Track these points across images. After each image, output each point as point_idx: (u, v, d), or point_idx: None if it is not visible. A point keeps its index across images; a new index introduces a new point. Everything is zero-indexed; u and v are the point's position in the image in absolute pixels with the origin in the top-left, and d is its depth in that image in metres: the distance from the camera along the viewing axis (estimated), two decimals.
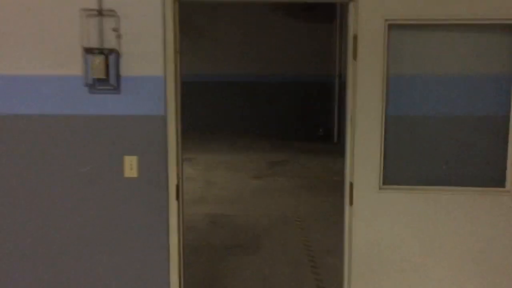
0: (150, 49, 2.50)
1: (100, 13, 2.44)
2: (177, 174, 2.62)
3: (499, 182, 2.52)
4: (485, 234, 2.54)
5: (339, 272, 2.85)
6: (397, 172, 2.56)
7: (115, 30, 2.45)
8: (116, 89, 2.51)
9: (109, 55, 2.46)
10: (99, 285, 2.66)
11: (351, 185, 2.57)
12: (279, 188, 6.98)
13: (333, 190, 6.40)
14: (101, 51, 2.46)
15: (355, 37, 2.49)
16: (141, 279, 2.66)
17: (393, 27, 2.44)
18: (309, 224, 5.38)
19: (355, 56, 2.50)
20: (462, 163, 2.56)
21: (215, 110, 11.05)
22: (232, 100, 11.02)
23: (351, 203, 2.60)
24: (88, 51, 2.45)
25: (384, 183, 2.54)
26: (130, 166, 2.57)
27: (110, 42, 2.47)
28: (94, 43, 2.47)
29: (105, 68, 2.46)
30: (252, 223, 5.42)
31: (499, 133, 2.48)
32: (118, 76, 2.50)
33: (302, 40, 10.92)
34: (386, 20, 2.43)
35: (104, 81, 2.48)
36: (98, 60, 2.44)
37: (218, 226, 5.23)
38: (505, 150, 2.48)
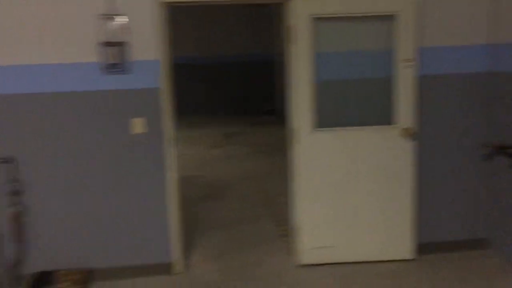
0: (149, 41, 3.52)
1: (112, 16, 3.44)
2: (171, 129, 3.69)
3: (389, 121, 3.75)
4: (382, 157, 3.77)
5: (288, 192, 4.02)
6: (322, 119, 3.73)
7: (124, 28, 3.46)
8: (125, 70, 3.53)
9: (119, 46, 3.47)
10: (122, 209, 3.70)
11: (293, 129, 3.74)
12: (235, 155, 8.11)
13: (279, 153, 7.57)
14: (114, 43, 3.46)
15: (289, 27, 3.63)
16: (150, 203, 3.72)
17: (315, 20, 3.59)
18: (263, 179, 6.55)
19: (290, 41, 3.64)
20: (363, 110, 3.78)
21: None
22: (187, 81, 11.95)
23: (293, 142, 3.77)
24: (105, 43, 3.45)
25: (315, 127, 3.71)
26: (137, 125, 3.61)
27: (120, 36, 3.47)
28: (108, 38, 3.46)
29: (117, 55, 3.47)
30: (216, 181, 6.53)
31: (386, 89, 3.71)
32: (126, 61, 3.51)
33: (247, 24, 12.02)
34: (311, 15, 3.57)
35: (116, 65, 3.49)
36: (112, 50, 3.45)
37: (190, 184, 6.30)
38: (391, 101, 3.72)
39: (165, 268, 3.80)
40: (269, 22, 11.87)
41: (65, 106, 3.54)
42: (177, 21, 11.56)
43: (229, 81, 12.40)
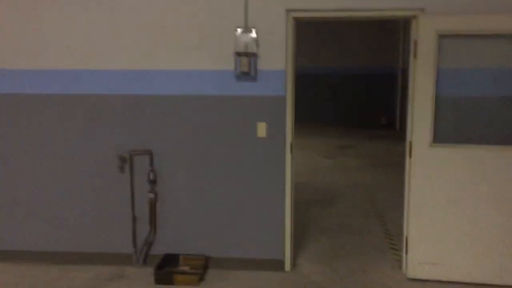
0: (277, 52, 3.82)
1: (246, 29, 3.79)
2: (291, 135, 3.94)
3: None
4: (506, 178, 3.65)
5: (400, 210, 4.05)
6: (443, 134, 3.72)
7: (255, 40, 3.79)
8: (254, 78, 3.86)
9: (251, 57, 3.81)
10: (241, 205, 4.04)
11: (411, 143, 3.78)
12: (347, 166, 8.19)
13: (395, 168, 7.51)
14: (246, 54, 3.81)
15: (415, 42, 3.69)
16: (267, 203, 4.01)
17: (442, 37, 3.61)
18: (375, 191, 6.56)
19: (415, 55, 3.70)
20: (487, 129, 3.70)
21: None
22: (308, 91, 12.24)
23: (410, 156, 3.81)
24: (238, 54, 3.81)
25: (434, 141, 3.72)
26: (261, 129, 3.92)
27: (252, 48, 3.81)
28: (241, 49, 3.82)
29: (248, 65, 3.81)
30: (327, 188, 6.69)
31: None
32: (256, 70, 3.84)
33: (370, 37, 12.01)
34: (437, 31, 3.60)
35: (247, 73, 3.84)
36: (244, 60, 3.80)
37: (301, 190, 6.51)
38: None
39: (275, 265, 4.05)
40: (392, 36, 11.75)
41: (201, 107, 3.96)
42: (304, 34, 11.97)
43: (350, 93, 12.48)
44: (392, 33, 11.72)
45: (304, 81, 12.22)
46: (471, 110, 3.75)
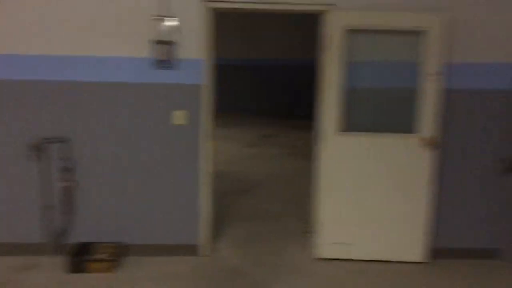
0: (195, 41, 3.89)
1: (164, 18, 3.82)
2: (209, 123, 4.03)
3: (412, 130, 3.97)
4: (402, 163, 4.00)
5: (312, 189, 4.30)
6: (348, 124, 3.99)
7: (174, 29, 3.84)
8: (172, 67, 3.90)
9: (169, 45, 3.85)
10: (158, 192, 4.08)
11: (320, 131, 4.01)
12: (268, 155, 8.43)
13: (311, 156, 7.84)
14: (164, 42, 3.84)
15: (323, 36, 3.91)
16: (184, 190, 4.09)
17: (348, 31, 3.86)
18: (294, 179, 6.84)
19: (324, 49, 3.92)
20: (388, 118, 4.02)
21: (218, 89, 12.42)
22: (231, 81, 12.35)
23: (319, 144, 4.04)
24: (156, 42, 3.84)
25: (341, 130, 3.98)
26: (179, 117, 3.98)
27: (170, 36, 3.85)
28: (159, 37, 3.84)
29: (166, 53, 3.85)
30: (247, 177, 6.86)
31: (412, 99, 3.93)
32: (174, 58, 3.89)
33: (293, 29, 12.31)
34: (344, 26, 3.85)
35: (165, 61, 3.88)
36: (162, 48, 3.84)
37: (222, 178, 6.65)
38: (414, 111, 3.94)
39: (192, 250, 4.15)
40: (315, 29, 12.11)
41: (118, 94, 3.94)
42: (226, 23, 12.04)
43: (273, 84, 12.74)
44: (314, 26, 12.10)
45: (229, 72, 12.36)
46: (376, 100, 4.05)
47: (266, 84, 12.81)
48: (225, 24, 11.94)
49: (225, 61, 12.31)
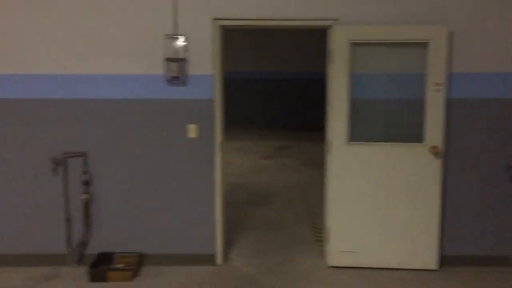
0: (205, 58, 4.06)
1: (175, 36, 4.01)
2: (220, 135, 4.18)
3: (419, 139, 4.04)
4: (410, 171, 4.07)
5: (324, 194, 4.39)
6: (356, 134, 4.09)
7: (184, 47, 4.02)
8: (184, 82, 4.07)
9: (180, 62, 4.03)
10: (174, 203, 4.23)
11: (330, 142, 4.13)
12: (283, 166, 8.54)
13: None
14: (175, 59, 4.02)
15: (331, 50, 4.04)
16: (199, 200, 4.23)
17: (354, 44, 3.98)
18: (309, 189, 6.92)
19: (331, 62, 4.05)
20: (395, 128, 4.11)
21: (228, 102, 12.66)
22: (244, 95, 12.55)
23: (329, 154, 4.15)
24: (168, 59, 4.02)
25: (349, 140, 4.08)
26: (192, 130, 4.13)
27: (181, 53, 4.03)
28: (171, 54, 4.02)
29: (178, 70, 4.03)
30: (263, 188, 6.98)
31: (418, 109, 4.01)
32: (185, 75, 4.06)
33: (306, 42, 12.46)
34: (350, 40, 3.97)
35: (177, 78, 4.05)
36: (174, 65, 4.01)
37: (238, 190, 6.79)
38: (421, 120, 4.02)
39: (208, 259, 4.28)
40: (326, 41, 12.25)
41: (133, 110, 4.13)
42: (246, 40, 12.26)
43: (289, 97, 12.91)
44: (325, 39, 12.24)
45: (243, 86, 12.57)
46: (383, 111, 4.14)
47: (279, 97, 12.97)
48: (238, 38, 12.20)
49: (237, 75, 12.53)
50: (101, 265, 4.12)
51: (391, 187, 4.09)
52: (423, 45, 3.92)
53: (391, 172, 4.08)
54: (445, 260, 4.19)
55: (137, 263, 4.17)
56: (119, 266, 4.13)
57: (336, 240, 4.20)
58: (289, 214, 5.81)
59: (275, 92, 12.95)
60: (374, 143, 4.08)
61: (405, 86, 4.06)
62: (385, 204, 4.11)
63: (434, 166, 4.02)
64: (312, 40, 12.34)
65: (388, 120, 4.13)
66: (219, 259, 4.30)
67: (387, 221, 4.12)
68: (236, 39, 12.16)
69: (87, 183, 4.16)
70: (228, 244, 4.61)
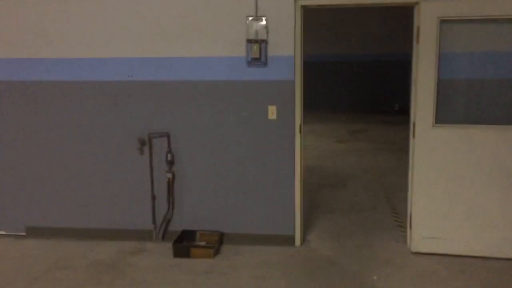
0: (286, 39, 4.03)
1: (256, 17, 4.01)
2: (300, 117, 4.16)
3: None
4: (505, 156, 3.83)
5: (405, 189, 4.25)
6: (444, 115, 3.91)
7: (265, 27, 4.01)
8: (265, 64, 4.08)
9: (261, 43, 4.03)
10: (254, 184, 4.29)
11: (414, 124, 3.97)
12: (358, 149, 8.37)
13: (406, 152, 7.67)
14: (256, 41, 4.03)
15: (418, 28, 3.86)
16: (279, 181, 4.25)
17: (444, 22, 3.77)
18: (386, 173, 6.75)
19: (418, 40, 3.87)
20: (487, 110, 3.87)
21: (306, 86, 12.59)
22: (322, 78, 12.40)
23: (414, 136, 4.00)
24: (249, 41, 4.03)
25: (436, 122, 3.91)
26: (272, 112, 4.14)
27: (262, 35, 4.02)
28: (252, 36, 4.04)
29: (259, 51, 4.03)
30: (339, 171, 6.90)
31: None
32: (266, 56, 4.06)
33: (384, 23, 12.06)
34: (438, 17, 3.76)
35: (258, 59, 4.06)
36: (255, 46, 4.02)
37: (314, 172, 6.75)
38: None
39: (286, 240, 4.30)
40: (406, 22, 11.76)
41: (215, 91, 4.20)
42: (316, 21, 12.07)
43: (364, 80, 12.60)
44: (406, 18, 11.74)
45: (319, 68, 12.40)
46: (472, 92, 3.92)
47: (356, 80, 12.67)
48: (315, 21, 12.03)
49: (314, 58, 12.38)
50: (184, 242, 4.27)
51: (481, 171, 3.88)
52: None
53: (482, 156, 3.85)
54: None
55: (218, 241, 4.28)
56: (202, 243, 4.26)
57: (420, 225, 4.06)
58: (366, 197, 5.69)
59: (347, 75, 12.67)
60: (462, 126, 3.87)
61: (500, 65, 3.80)
62: (475, 190, 3.91)
63: None
64: (387, 20, 11.93)
65: (478, 101, 3.90)
66: (297, 240, 4.31)
67: (477, 207, 3.92)
68: (313, 21, 11.98)
69: (171, 163, 4.31)
70: (306, 225, 4.61)
